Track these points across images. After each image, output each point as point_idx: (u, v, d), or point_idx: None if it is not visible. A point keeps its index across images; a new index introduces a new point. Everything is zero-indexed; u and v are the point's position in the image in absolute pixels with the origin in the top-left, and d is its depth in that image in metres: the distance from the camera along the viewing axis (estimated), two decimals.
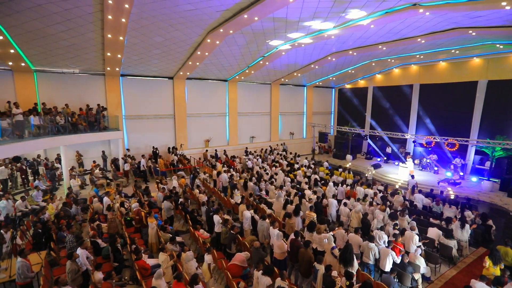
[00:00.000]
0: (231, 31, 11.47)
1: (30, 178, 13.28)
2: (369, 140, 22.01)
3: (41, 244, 7.71)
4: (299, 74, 20.03)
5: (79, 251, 6.39)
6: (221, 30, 11.26)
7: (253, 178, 13.19)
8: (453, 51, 15.47)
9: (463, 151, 17.23)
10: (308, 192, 11.26)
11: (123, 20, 9.57)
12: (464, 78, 17.34)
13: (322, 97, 26.73)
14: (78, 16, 9.42)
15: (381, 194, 11.51)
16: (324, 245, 7.18)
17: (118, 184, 12.64)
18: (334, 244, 6.93)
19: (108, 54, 12.55)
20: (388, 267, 6.74)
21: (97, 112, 13.94)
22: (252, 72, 18.59)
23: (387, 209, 9.52)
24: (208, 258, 7.05)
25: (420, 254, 7.21)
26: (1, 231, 7.68)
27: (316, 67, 18.41)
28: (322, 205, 10.37)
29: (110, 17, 9.33)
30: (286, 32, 12.11)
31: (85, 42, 11.40)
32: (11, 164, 13.01)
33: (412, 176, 13.95)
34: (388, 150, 20.78)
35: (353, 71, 20.74)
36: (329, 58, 16.58)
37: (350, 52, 15.49)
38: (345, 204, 9.97)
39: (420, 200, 11.16)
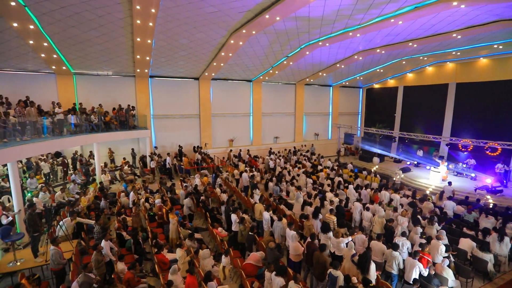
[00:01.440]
0: (253, 32, 11.55)
1: (69, 172, 14.42)
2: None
3: (73, 234, 8.33)
4: (324, 74, 19.60)
5: (103, 243, 6.81)
6: (244, 31, 11.38)
7: (274, 178, 13.15)
8: (495, 46, 14.16)
9: (507, 156, 15.71)
10: (329, 195, 10.96)
11: (151, 24, 10.04)
12: (509, 75, 15.81)
13: (349, 97, 25.91)
14: (110, 21, 10.07)
15: (408, 200, 10.89)
16: (342, 250, 6.96)
17: (145, 181, 13.28)
18: (354, 251, 6.69)
19: (138, 56, 13.24)
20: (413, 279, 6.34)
21: (127, 112, 14.75)
22: (276, 72, 18.55)
23: (417, 216, 8.96)
24: (225, 260, 7.12)
25: (448, 266, 6.71)
26: (42, 220, 8.46)
27: (342, 66, 17.90)
28: (344, 208, 10.06)
29: (138, 21, 9.85)
30: (309, 31, 11.91)
31: (116, 45, 12.14)
32: (53, 159, 14.24)
33: (450, 183, 12.98)
34: (419, 153, 19.58)
35: (381, 70, 19.86)
36: (356, 57, 16.03)
37: (378, 50, 14.84)
38: (367, 209, 9.58)
39: (450, 207, 10.38)
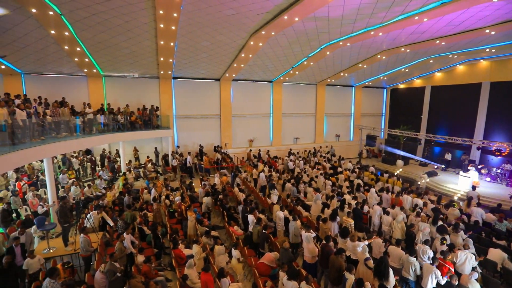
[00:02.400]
0: (272, 33, 11.61)
1: (97, 169, 15.35)
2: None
3: (100, 226, 8.86)
4: (346, 74, 19.19)
5: (125, 235, 7.20)
6: (263, 32, 11.47)
7: (292, 179, 13.10)
8: None
9: None
10: (347, 197, 10.76)
11: (173, 27, 10.45)
12: None
13: (372, 98, 25.11)
14: (136, 26, 10.61)
15: (432, 205, 10.40)
16: (357, 253, 6.83)
17: (166, 178, 13.77)
18: (368, 255, 6.53)
19: (161, 59, 13.79)
20: (430, 286, 6.08)
21: (151, 112, 15.41)
22: (297, 72, 18.45)
23: (439, 222, 8.55)
24: (236, 253, 7.25)
25: (476, 279, 6.31)
26: (73, 212, 9.11)
27: (365, 66, 17.42)
28: (362, 211, 9.83)
29: (162, 25, 10.29)
30: (329, 31, 11.76)
31: (142, 49, 12.75)
32: (83, 156, 15.22)
33: (473, 187, 12.25)
34: (448, 156, 18.55)
35: (407, 70, 19.05)
36: (379, 56, 15.54)
37: (402, 49, 14.27)
38: (387, 213, 9.28)
39: (479, 214, 9.75)
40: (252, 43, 12.59)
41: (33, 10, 8.80)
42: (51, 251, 7.52)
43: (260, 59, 15.56)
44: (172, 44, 12.06)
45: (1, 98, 9.33)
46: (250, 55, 14.40)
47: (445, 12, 9.45)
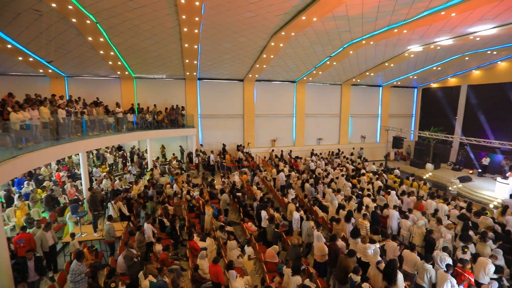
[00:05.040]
0: (292, 34, 11.69)
1: (127, 164, 16.50)
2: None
3: (125, 216, 9.62)
4: (372, 74, 18.58)
5: (146, 225, 7.78)
6: (283, 33, 11.59)
7: (311, 179, 13.05)
8: None
9: None
10: (366, 200, 10.51)
11: (196, 31, 10.98)
12: None
13: (401, 98, 23.94)
14: (162, 31, 11.32)
15: (458, 212, 9.77)
16: (368, 256, 6.72)
17: (189, 175, 14.46)
18: (379, 258, 6.40)
19: (187, 61, 14.49)
20: None
21: (177, 111, 16.21)
22: (320, 72, 18.25)
23: (467, 231, 8.04)
24: (248, 250, 7.48)
25: None
26: (104, 203, 9.99)
27: (392, 65, 16.75)
28: (380, 214, 9.55)
29: (185, 29, 10.86)
30: (351, 30, 11.55)
31: (168, 52, 13.52)
32: (115, 152, 16.46)
33: (511, 195, 11.28)
34: (485, 161, 17.15)
35: (439, 68, 17.93)
36: (406, 54, 14.86)
37: (432, 46, 13.52)
38: (407, 217, 8.94)
39: None
40: (273, 44, 12.76)
41: (74, 20, 9.81)
42: (83, 236, 8.35)
43: (282, 59, 15.67)
44: (195, 46, 12.64)
45: (47, 99, 10.50)
46: (272, 56, 14.57)
47: (475, 5, 8.84)
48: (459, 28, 11.48)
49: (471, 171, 17.75)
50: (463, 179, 15.40)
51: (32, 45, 11.65)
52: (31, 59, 12.75)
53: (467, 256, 6.74)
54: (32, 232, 7.31)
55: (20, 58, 12.70)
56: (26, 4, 8.81)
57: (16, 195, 10.04)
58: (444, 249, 7.07)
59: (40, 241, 6.89)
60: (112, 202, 9.11)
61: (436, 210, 9.43)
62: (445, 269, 6.13)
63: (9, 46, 11.24)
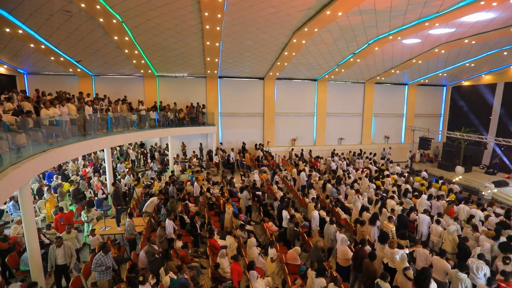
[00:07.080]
0: (316, 29, 11.37)
1: (149, 160, 16.87)
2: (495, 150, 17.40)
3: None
4: (397, 71, 17.76)
5: (167, 221, 7.83)
6: (306, 29, 11.31)
7: (333, 179, 12.68)
8: None
9: None
10: (391, 202, 10.00)
11: (218, 28, 10.96)
12: None
13: (429, 97, 22.71)
14: (184, 29, 11.40)
15: (496, 219, 9.04)
16: (395, 262, 6.34)
17: (209, 173, 14.53)
18: (407, 264, 6.02)
19: (208, 58, 14.54)
20: None
21: (197, 110, 16.35)
22: (343, 70, 17.72)
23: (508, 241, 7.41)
24: (271, 252, 7.31)
25: None
26: (126, 198, 10.24)
27: (420, 62, 15.89)
28: (407, 218, 9.04)
29: (207, 26, 10.86)
30: (377, 25, 11.04)
31: (190, 50, 13.63)
32: (138, 148, 16.88)
33: None
34: None
35: (472, 64, 16.78)
36: (436, 50, 14.02)
37: (466, 41, 12.63)
38: (437, 222, 8.39)
39: None
40: (295, 40, 12.50)
41: (101, 20, 10.10)
42: (107, 229, 8.56)
43: (303, 57, 15.34)
44: (217, 44, 12.63)
45: (75, 96, 10.91)
46: (294, 53, 14.30)
47: None
48: (499, 20, 10.60)
49: (507, 175, 16.51)
50: (498, 184, 14.32)
51: (62, 45, 12.17)
52: (61, 58, 13.35)
53: (509, 268, 6.18)
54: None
55: (52, 58, 13.34)
56: (58, 5, 9.16)
57: (46, 188, 10.51)
58: (479, 257, 6.54)
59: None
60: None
61: (472, 216, 8.79)
62: (485, 281, 5.65)
63: (43, 46, 11.82)
